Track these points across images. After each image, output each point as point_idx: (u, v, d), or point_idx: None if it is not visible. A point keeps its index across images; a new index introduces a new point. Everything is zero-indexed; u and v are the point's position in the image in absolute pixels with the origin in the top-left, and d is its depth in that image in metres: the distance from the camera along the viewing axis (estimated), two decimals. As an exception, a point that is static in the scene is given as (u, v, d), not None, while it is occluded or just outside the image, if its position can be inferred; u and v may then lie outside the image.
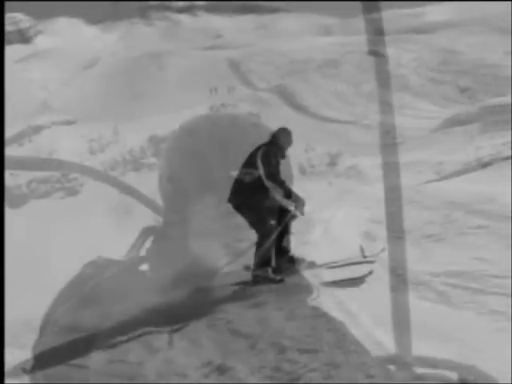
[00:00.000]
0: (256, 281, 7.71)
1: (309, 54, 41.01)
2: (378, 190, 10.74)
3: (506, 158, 13.47)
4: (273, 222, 7.75)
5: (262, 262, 7.78)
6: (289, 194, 7.70)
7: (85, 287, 10.30)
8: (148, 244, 12.82)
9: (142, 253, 12.42)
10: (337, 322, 6.04)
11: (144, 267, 11.45)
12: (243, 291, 7.60)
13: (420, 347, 5.28)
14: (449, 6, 74.73)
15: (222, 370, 5.43)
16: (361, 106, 23.11)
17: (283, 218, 8.00)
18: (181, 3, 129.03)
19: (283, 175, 7.74)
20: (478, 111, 21.72)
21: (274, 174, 7.64)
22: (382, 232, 8.90)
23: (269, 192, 7.82)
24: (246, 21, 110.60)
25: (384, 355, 5.24)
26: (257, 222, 7.80)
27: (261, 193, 7.69)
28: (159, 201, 14.12)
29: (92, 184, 21.37)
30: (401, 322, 5.92)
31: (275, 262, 7.87)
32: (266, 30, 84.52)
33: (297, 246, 8.45)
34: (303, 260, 8.18)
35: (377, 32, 63.83)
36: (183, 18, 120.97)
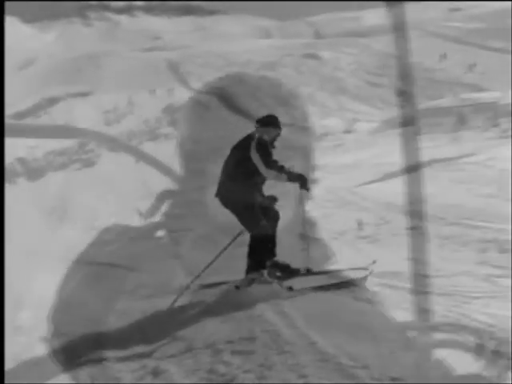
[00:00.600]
0: (251, 284, 7.46)
1: (248, 57, 41.00)
2: (315, 191, 10.84)
3: (439, 161, 13.71)
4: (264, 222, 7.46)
5: (257, 264, 7.53)
6: (291, 177, 7.42)
7: (100, 254, 10.10)
8: (164, 209, 12.64)
9: (158, 218, 12.22)
10: (271, 323, 6.07)
11: (160, 233, 11.26)
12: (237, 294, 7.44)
13: (353, 347, 5.36)
14: (385, 11, 75.60)
15: (156, 372, 5.43)
16: (299, 109, 23.13)
17: (274, 218, 7.81)
18: (120, 3, 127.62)
19: None
20: (414, 114, 22.01)
21: (273, 162, 7.34)
22: (317, 234, 8.99)
23: (260, 187, 7.59)
24: (185, 22, 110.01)
25: (318, 356, 5.30)
26: (249, 220, 7.48)
27: (253, 188, 7.46)
28: (176, 168, 13.86)
29: (108, 155, 21.15)
30: (335, 323, 5.98)
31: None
32: (205, 32, 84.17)
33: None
34: (291, 268, 7.87)
35: (316, 35, 64.32)
36: (122, 18, 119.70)
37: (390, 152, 16.09)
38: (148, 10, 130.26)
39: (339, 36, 51.78)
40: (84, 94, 34.49)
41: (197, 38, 71.32)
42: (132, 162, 16.95)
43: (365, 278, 7.35)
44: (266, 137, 7.56)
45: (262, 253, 7.53)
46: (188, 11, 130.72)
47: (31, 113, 29.72)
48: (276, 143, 7.83)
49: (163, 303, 7.50)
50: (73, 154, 22.46)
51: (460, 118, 21.76)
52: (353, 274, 7.49)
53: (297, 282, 7.31)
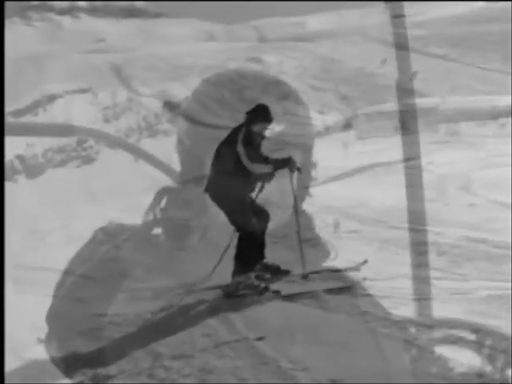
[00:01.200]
0: (237, 289, 7.12)
1: (192, 60, 40.90)
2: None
3: (380, 165, 13.87)
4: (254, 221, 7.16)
5: (244, 267, 7.22)
6: (277, 165, 7.21)
7: (96, 253, 9.86)
8: (163, 205, 12.40)
9: (157, 215, 11.98)
10: (212, 327, 6.06)
11: (157, 231, 11.03)
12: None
13: (296, 351, 5.38)
14: (329, 16, 76.29)
15: (96, 377, 5.37)
16: (243, 113, 23.15)
17: (265, 219, 7.52)
18: (63, 4, 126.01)
19: None
20: (356, 118, 22.30)
21: (258, 155, 7.10)
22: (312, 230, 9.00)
23: (252, 184, 7.31)
24: (129, 25, 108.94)
25: (258, 360, 5.31)
26: (239, 217, 7.19)
27: (243, 184, 7.18)
28: (175, 166, 13.63)
29: (107, 152, 20.80)
30: (276, 327, 5.99)
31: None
32: (149, 35, 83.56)
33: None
34: (281, 269, 7.68)
35: (260, 39, 64.50)
36: (65, 20, 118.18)
37: (333, 156, 16.25)
38: (91, 12, 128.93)
39: (283, 40, 51.99)
40: (83, 91, 34.27)
41: (141, 41, 70.84)
42: (131, 159, 16.74)
43: (358, 283, 7.24)
44: (256, 128, 7.34)
45: (249, 255, 7.25)
46: (132, 14, 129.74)
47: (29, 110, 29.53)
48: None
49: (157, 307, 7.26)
50: (71, 151, 22.25)
51: (401, 123, 22.05)
52: (344, 280, 7.35)
53: (286, 287, 7.17)
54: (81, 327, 6.79)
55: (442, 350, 5.35)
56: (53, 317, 7.41)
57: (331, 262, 8.29)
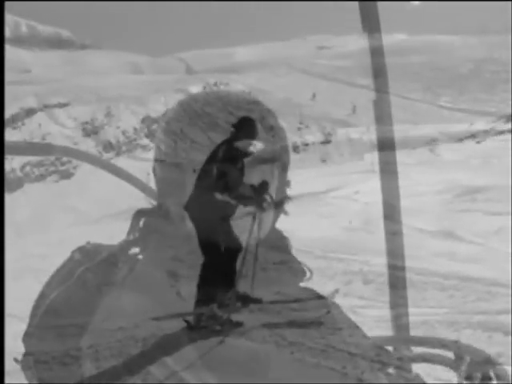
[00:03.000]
0: (199, 320, 6.64)
1: (119, 92, 40.76)
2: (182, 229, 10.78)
3: (306, 195, 13.99)
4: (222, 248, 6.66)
5: (207, 296, 6.70)
6: (242, 202, 6.75)
7: (74, 274, 9.47)
8: (141, 225, 12.02)
9: (135, 235, 11.58)
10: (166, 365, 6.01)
11: (135, 250, 10.66)
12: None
13: (225, 381, 5.37)
14: (255, 48, 77.19)
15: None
16: (171, 145, 23.20)
17: (236, 247, 6.93)
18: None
19: None
20: (280, 150, 22.49)
21: (223, 184, 6.55)
22: (184, 271, 8.90)
23: (233, 205, 6.76)
24: (55, 56, 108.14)
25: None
26: (208, 241, 6.68)
27: (223, 204, 6.69)
28: (152, 184, 13.25)
29: (86, 166, 20.19)
30: (203, 359, 5.95)
31: (218, 298, 6.77)
32: (75, 66, 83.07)
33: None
34: (251, 298, 7.23)
35: (188, 71, 64.69)
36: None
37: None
38: (16, 43, 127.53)
39: (211, 72, 52.33)
40: (62, 105, 33.65)
41: (67, 72, 70.27)
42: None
43: (322, 317, 7.03)
44: (239, 144, 6.78)
45: (212, 283, 6.71)
46: (58, 45, 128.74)
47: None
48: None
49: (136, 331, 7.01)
50: (50, 166, 21.73)
51: (327, 153, 22.35)
52: (311, 313, 7.11)
53: (249, 318, 6.94)
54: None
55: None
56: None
57: (307, 283, 8.28)
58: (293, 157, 19.32)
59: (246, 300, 7.17)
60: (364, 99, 30.69)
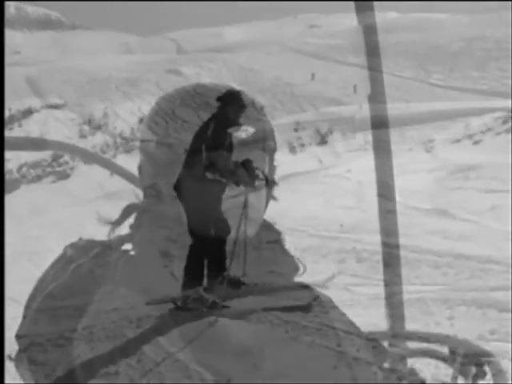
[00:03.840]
0: (186, 302, 6.61)
1: (109, 73, 40.55)
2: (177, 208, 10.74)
3: (298, 174, 13.98)
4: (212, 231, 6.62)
5: (193, 279, 6.70)
6: (234, 179, 6.66)
7: (66, 270, 9.42)
8: (131, 221, 11.96)
9: (124, 231, 11.52)
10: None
11: (127, 246, 10.62)
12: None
13: (220, 361, 5.39)
14: (246, 27, 76.96)
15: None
16: (162, 125, 23.17)
17: (224, 229, 6.91)
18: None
19: None
20: (274, 129, 22.44)
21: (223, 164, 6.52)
22: (177, 251, 8.86)
23: (223, 184, 6.69)
24: (46, 37, 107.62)
25: (182, 373, 5.30)
26: (197, 222, 6.63)
27: (213, 184, 6.61)
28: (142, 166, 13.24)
29: (83, 167, 20.15)
30: (197, 340, 5.95)
31: (208, 281, 6.84)
32: (65, 47, 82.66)
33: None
34: (243, 282, 7.19)
35: (178, 50, 64.41)
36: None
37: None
38: (6, 24, 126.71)
39: (201, 51, 52.15)
40: (58, 106, 33.51)
41: (57, 54, 69.92)
42: (107, 174, 16.31)
43: (313, 302, 6.94)
44: (231, 113, 6.84)
45: (198, 267, 6.74)
46: (48, 26, 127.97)
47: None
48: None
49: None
50: (47, 167, 21.67)
51: (319, 132, 22.31)
52: (301, 295, 7.03)
53: (239, 303, 6.87)
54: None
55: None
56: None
57: (301, 277, 8.22)
58: (286, 136, 19.31)
59: (238, 284, 7.13)
60: (357, 78, 30.67)
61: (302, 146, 21.34)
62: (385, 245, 8.79)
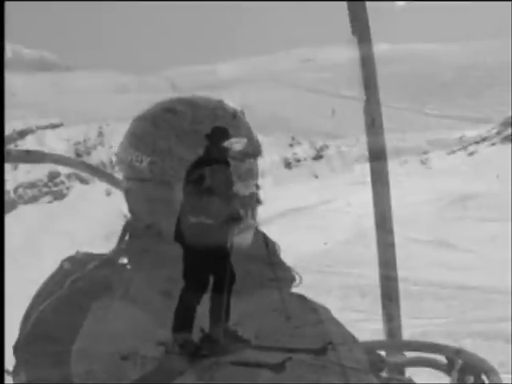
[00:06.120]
0: (173, 347, 6.41)
1: (106, 112, 40.64)
2: (175, 248, 10.68)
3: (297, 209, 13.90)
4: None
5: (183, 324, 6.50)
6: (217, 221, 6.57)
7: (63, 283, 9.24)
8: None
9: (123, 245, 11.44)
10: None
11: (124, 260, 10.47)
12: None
13: None
14: (239, 63, 77.29)
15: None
16: (158, 163, 23.19)
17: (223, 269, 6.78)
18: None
19: None
20: (269, 165, 22.46)
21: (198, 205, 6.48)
22: (179, 291, 8.78)
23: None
24: (41, 79, 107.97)
25: None
26: (190, 262, 6.53)
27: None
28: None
29: (79, 187, 20.10)
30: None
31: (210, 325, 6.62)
32: (61, 88, 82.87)
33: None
34: (239, 337, 7.02)
35: (173, 88, 64.63)
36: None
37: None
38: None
39: (195, 89, 52.32)
40: (54, 126, 33.53)
41: (53, 94, 70.10)
42: (103, 193, 16.24)
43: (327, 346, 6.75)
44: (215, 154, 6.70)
45: (191, 313, 6.51)
46: (43, 67, 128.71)
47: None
48: None
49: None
50: (43, 187, 21.61)
51: (316, 165, 22.25)
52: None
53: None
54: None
55: None
56: None
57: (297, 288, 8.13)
58: (282, 172, 19.28)
59: (235, 338, 6.90)
60: (350, 110, 30.76)
61: (301, 182, 21.35)
62: (384, 278, 8.74)
